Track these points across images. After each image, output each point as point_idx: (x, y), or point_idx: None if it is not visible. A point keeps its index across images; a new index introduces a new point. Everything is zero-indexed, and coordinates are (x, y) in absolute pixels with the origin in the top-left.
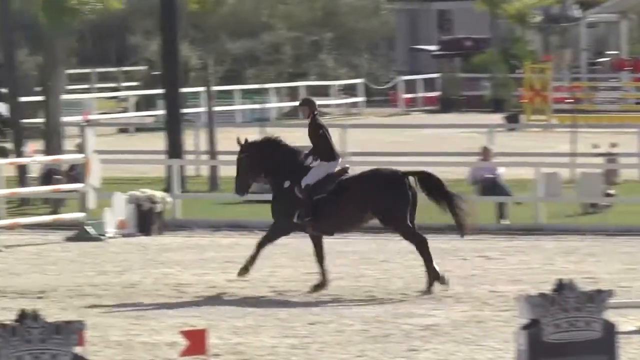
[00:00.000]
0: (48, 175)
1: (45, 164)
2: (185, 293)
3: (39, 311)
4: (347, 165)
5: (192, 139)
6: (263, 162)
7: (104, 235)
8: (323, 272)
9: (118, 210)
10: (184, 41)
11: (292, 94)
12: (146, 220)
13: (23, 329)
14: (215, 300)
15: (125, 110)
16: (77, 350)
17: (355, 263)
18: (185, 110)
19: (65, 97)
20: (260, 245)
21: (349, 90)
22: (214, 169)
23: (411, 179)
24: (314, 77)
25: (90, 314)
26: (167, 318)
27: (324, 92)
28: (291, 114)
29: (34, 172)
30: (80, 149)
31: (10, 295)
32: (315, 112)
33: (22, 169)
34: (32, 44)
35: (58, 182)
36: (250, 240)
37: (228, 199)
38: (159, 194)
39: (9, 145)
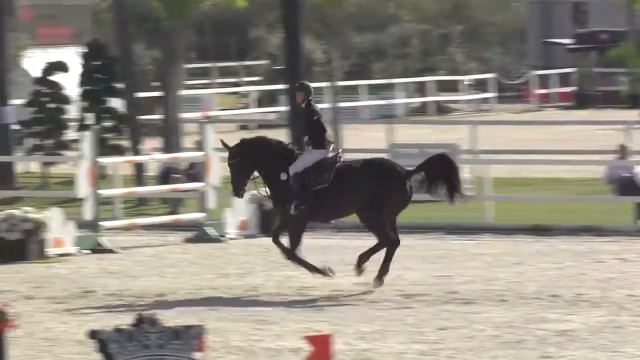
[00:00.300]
0: (166, 174)
1: (163, 162)
2: (309, 297)
3: (157, 315)
4: (340, 151)
5: None
6: (254, 162)
7: (224, 236)
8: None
9: (239, 211)
10: (307, 34)
11: (420, 89)
12: (268, 220)
13: (140, 333)
14: (341, 304)
15: (246, 106)
16: (197, 356)
17: (487, 265)
18: None
19: (184, 92)
20: (292, 254)
21: (480, 86)
22: None
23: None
24: (442, 72)
25: (210, 318)
26: (291, 323)
27: (453, 87)
28: (419, 110)
29: (152, 171)
30: (200, 146)
31: (127, 299)
32: (311, 98)
33: (139, 168)
34: (150, 38)
35: (177, 181)
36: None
37: None
38: None
39: (125, 143)
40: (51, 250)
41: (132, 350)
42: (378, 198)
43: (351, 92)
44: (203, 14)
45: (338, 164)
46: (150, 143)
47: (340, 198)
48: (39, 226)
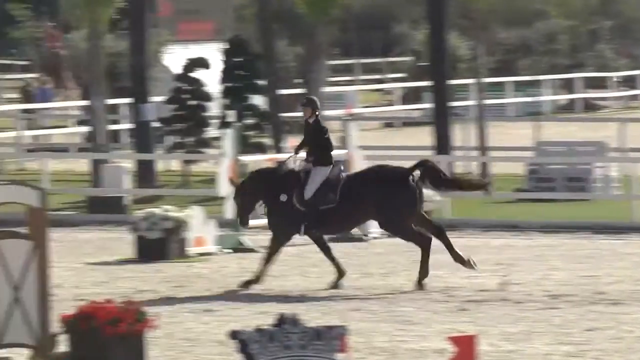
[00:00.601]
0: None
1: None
2: (453, 297)
3: (299, 316)
4: (339, 163)
5: (461, 134)
6: (258, 193)
7: (367, 235)
8: (337, 265)
9: None
10: (452, 30)
11: (568, 86)
12: None
13: (282, 334)
14: (486, 304)
15: (390, 104)
16: (339, 356)
17: (636, 265)
18: (453, 104)
19: (327, 89)
20: (267, 260)
21: (629, 82)
22: (484, 166)
23: (416, 174)
24: (590, 69)
25: (353, 319)
26: (435, 323)
27: (601, 84)
28: (566, 107)
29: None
30: (343, 144)
31: (269, 299)
32: (318, 113)
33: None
34: (292, 34)
35: None
36: (522, 241)
37: (500, 197)
38: (426, 192)
39: (267, 141)
40: (192, 250)
41: (273, 351)
42: (383, 204)
43: (497, 89)
44: (346, 10)
45: (342, 181)
46: (293, 141)
47: (348, 213)
48: (179, 225)
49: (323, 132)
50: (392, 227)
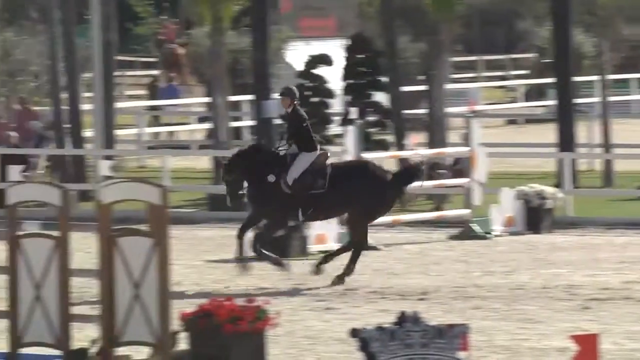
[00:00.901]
0: (431, 170)
1: (428, 158)
2: (576, 295)
3: (421, 314)
4: (326, 151)
5: (586, 131)
6: (245, 171)
7: (490, 233)
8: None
9: (505, 207)
10: (577, 27)
11: None
12: (535, 217)
13: (403, 332)
14: (609, 302)
15: (513, 101)
16: (461, 355)
17: None
18: (577, 101)
19: (449, 86)
20: (257, 248)
21: None
22: (608, 163)
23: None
24: None
25: (475, 317)
26: (557, 322)
27: None
28: None
29: None
30: (466, 141)
31: (390, 297)
32: (296, 102)
33: (403, 163)
34: (415, 31)
35: (442, 176)
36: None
37: (624, 195)
38: (549, 190)
39: (389, 138)
40: (313, 247)
41: (394, 350)
42: (363, 198)
43: (622, 86)
44: (470, 7)
45: (329, 169)
46: (415, 138)
47: (335, 202)
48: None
49: (302, 121)
50: (358, 223)
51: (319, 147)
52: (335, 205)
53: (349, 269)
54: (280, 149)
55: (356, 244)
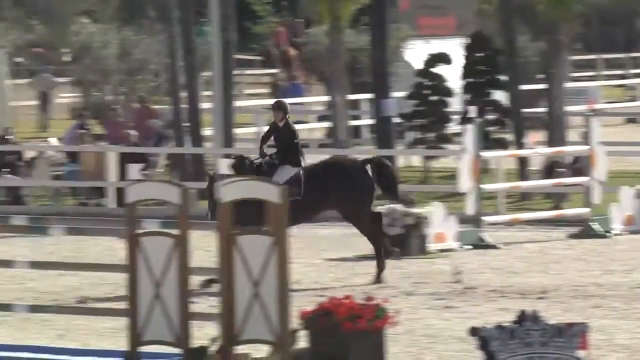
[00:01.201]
0: (550, 168)
1: (547, 156)
2: None
3: (540, 312)
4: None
5: None
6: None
7: (609, 231)
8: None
9: (625, 206)
10: None
11: None
12: None
13: (522, 331)
14: None
15: (633, 99)
16: (580, 354)
17: None
18: None
19: (569, 85)
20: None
21: None
22: None
23: (369, 167)
24: None
25: (594, 316)
26: None
27: None
28: None
29: (536, 165)
30: (585, 139)
31: (510, 295)
32: (288, 116)
33: (523, 162)
34: (535, 29)
35: (561, 175)
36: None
37: None
38: None
39: (509, 137)
40: (432, 246)
41: (513, 348)
42: (343, 194)
43: None
44: (589, 6)
45: (302, 175)
46: (534, 136)
47: (312, 204)
48: (420, 221)
49: (294, 136)
50: (351, 219)
51: (303, 163)
52: (314, 208)
53: (380, 264)
54: (255, 160)
55: (368, 236)
